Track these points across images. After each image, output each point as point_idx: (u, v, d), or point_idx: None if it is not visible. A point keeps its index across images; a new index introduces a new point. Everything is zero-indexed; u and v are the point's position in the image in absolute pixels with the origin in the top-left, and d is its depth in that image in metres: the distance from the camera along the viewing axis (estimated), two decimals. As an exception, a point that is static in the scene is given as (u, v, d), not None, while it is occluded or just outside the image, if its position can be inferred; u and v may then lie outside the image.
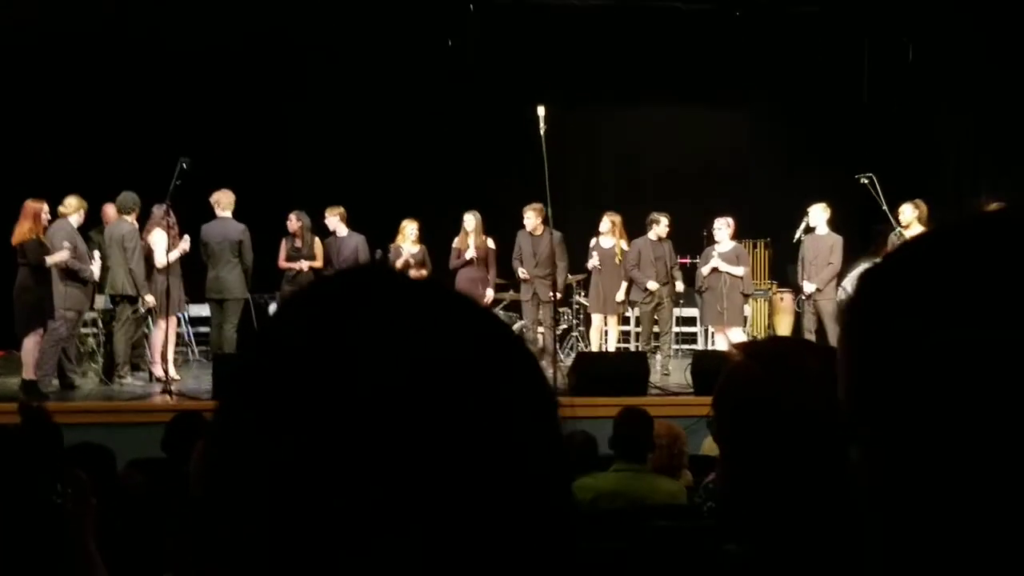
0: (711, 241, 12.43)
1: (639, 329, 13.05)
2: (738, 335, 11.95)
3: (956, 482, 0.73)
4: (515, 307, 12.85)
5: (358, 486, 0.68)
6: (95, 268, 10.62)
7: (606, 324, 12.47)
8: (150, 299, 10.98)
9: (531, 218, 12.02)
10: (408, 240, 12.22)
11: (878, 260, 0.82)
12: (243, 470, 0.71)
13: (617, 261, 12.21)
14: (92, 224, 11.46)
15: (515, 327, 13.09)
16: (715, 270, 11.93)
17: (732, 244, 12.15)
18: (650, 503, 5.12)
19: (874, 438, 0.78)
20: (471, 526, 0.70)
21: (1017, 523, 0.71)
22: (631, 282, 12.35)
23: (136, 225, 11.03)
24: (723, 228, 12.08)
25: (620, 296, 12.39)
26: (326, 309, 0.75)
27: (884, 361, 0.77)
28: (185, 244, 11.09)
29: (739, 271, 11.88)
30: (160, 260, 10.83)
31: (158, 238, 10.91)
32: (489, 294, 12.39)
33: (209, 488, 0.74)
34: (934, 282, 0.76)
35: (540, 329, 12.42)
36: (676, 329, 13.41)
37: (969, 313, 0.72)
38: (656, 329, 12.45)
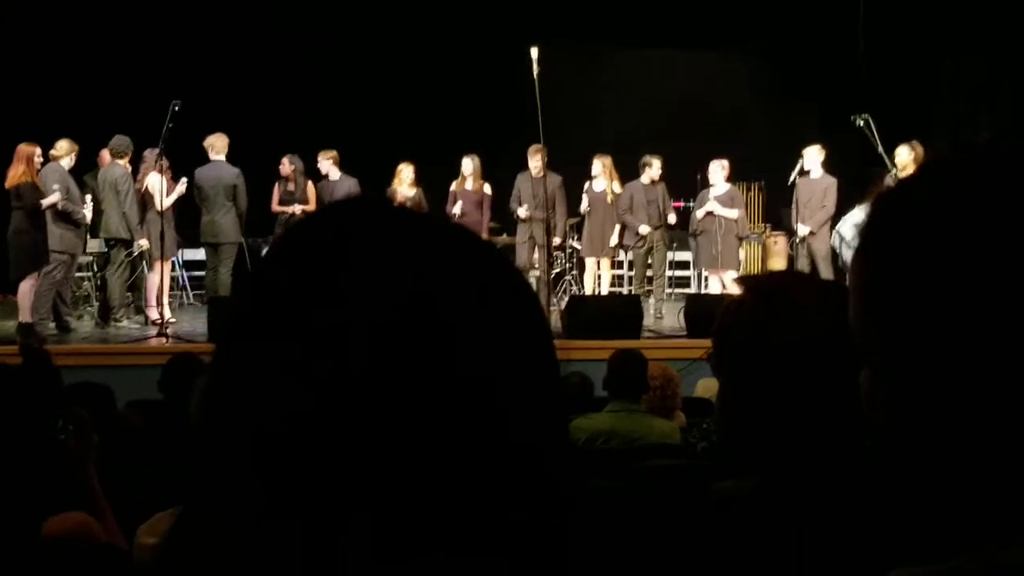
0: (705, 184, 12.41)
1: (632, 273, 13.06)
2: (732, 278, 11.96)
3: (966, 399, 0.75)
4: (510, 252, 12.83)
5: (352, 421, 0.69)
6: (87, 212, 10.61)
7: (599, 268, 12.47)
8: (144, 243, 10.99)
9: (536, 160, 11.91)
10: (404, 184, 12.19)
11: (892, 186, 0.83)
12: (240, 408, 0.72)
13: (609, 202, 12.17)
14: (85, 168, 11.41)
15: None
16: (710, 213, 11.91)
17: (727, 187, 12.12)
18: (645, 442, 5.17)
19: (886, 361, 0.80)
20: (467, 460, 0.70)
21: None
22: (624, 226, 12.34)
23: (129, 169, 11.00)
24: (718, 171, 12.05)
25: (613, 240, 12.38)
26: (316, 245, 0.75)
27: (899, 282, 0.79)
28: (182, 187, 11.08)
29: (733, 214, 11.87)
30: (159, 203, 10.81)
31: (155, 181, 10.88)
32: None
33: (208, 423, 0.75)
34: (946, 205, 0.77)
35: (533, 273, 12.42)
36: (669, 273, 13.41)
37: (979, 234, 0.74)
38: (649, 272, 12.46)
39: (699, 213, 12.08)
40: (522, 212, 12.05)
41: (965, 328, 0.75)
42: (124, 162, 10.95)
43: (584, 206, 12.35)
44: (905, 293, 0.78)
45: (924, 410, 0.78)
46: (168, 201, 10.87)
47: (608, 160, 12.27)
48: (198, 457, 0.75)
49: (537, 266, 12.25)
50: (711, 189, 12.08)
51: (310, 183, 12.19)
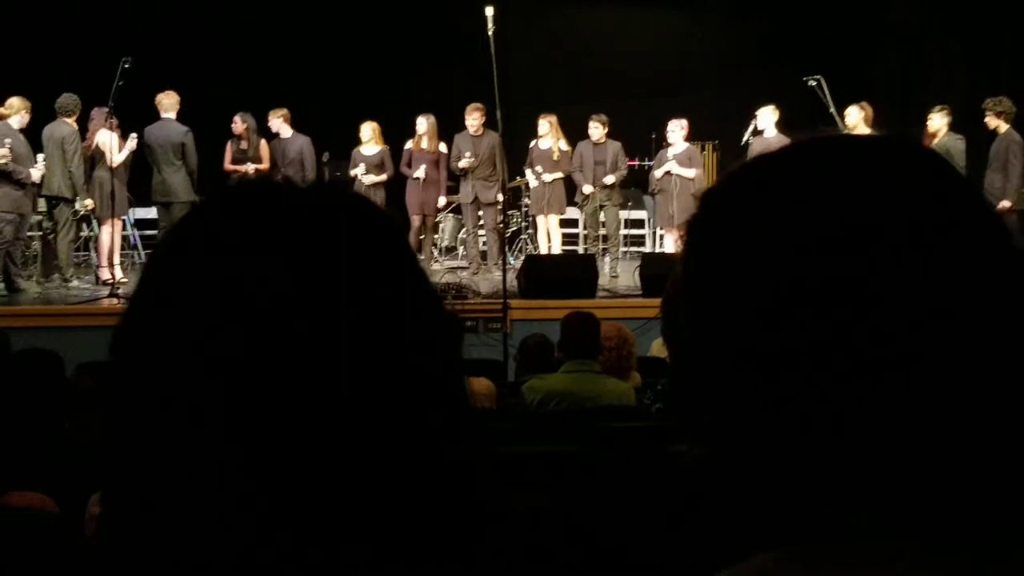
0: (661, 143, 12.42)
1: (587, 232, 13.07)
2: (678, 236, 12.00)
3: (769, 396, 0.78)
4: (461, 210, 12.82)
5: (243, 404, 0.71)
6: (36, 171, 10.42)
7: (548, 224, 12.42)
8: (88, 202, 10.84)
9: (474, 119, 11.92)
10: (364, 142, 12.12)
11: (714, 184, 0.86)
12: (142, 396, 0.74)
13: (555, 159, 12.13)
14: (41, 125, 11.21)
15: (460, 234, 13.10)
16: (668, 172, 11.92)
17: (686, 146, 12.12)
18: (600, 403, 5.20)
19: (699, 354, 0.83)
20: (357, 438, 0.72)
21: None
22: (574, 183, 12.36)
23: (76, 127, 10.83)
24: (676, 130, 12.03)
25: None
26: (200, 238, 0.77)
27: (707, 278, 0.81)
28: (132, 143, 10.95)
29: (691, 173, 11.88)
30: (109, 160, 10.67)
31: (105, 138, 10.73)
32: (441, 200, 12.35)
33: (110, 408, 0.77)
34: (758, 200, 0.79)
35: (481, 233, 12.40)
36: (624, 232, 13.44)
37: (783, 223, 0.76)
38: (603, 232, 12.47)
39: (657, 172, 12.09)
40: (463, 163, 12.00)
41: (764, 327, 0.76)
42: (71, 120, 10.78)
43: (529, 176, 12.31)
44: (712, 289, 0.80)
45: (730, 401, 0.81)
46: (119, 158, 10.74)
47: (554, 118, 12.21)
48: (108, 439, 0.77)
49: (486, 225, 12.22)
50: (670, 148, 12.08)
51: (263, 141, 12.08)
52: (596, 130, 12.18)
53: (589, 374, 5.38)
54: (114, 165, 10.61)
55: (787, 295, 0.75)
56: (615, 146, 12.26)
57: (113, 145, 10.63)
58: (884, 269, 0.73)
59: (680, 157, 11.92)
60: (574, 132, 12.36)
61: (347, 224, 0.78)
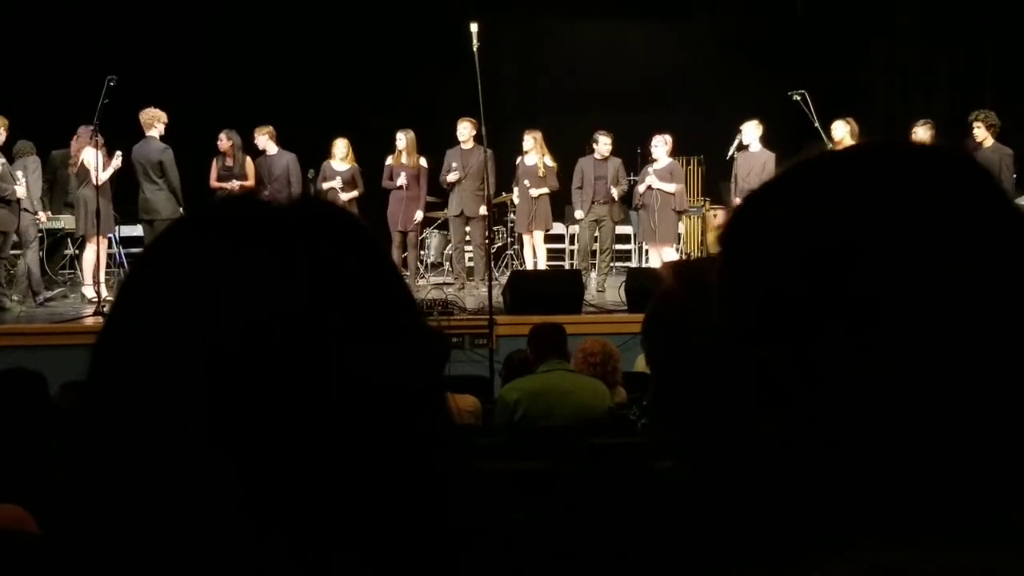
0: (646, 158, 12.44)
1: (574, 247, 13.07)
2: (671, 253, 12.01)
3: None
4: (448, 226, 12.81)
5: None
6: (19, 188, 10.39)
7: (534, 240, 12.41)
8: (41, 216, 10.79)
9: (464, 130, 11.92)
10: (337, 158, 12.13)
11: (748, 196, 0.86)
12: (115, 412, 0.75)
13: (541, 175, 12.14)
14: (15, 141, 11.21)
15: (447, 250, 13.08)
16: (649, 187, 11.94)
17: (668, 161, 12.14)
18: (575, 399, 5.21)
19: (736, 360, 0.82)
20: (335, 452, 0.73)
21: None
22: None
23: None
24: (660, 145, 12.04)
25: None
26: (170, 261, 0.78)
27: (746, 284, 0.81)
28: (117, 161, 10.93)
29: (670, 188, 11.88)
30: (95, 178, 10.65)
31: (91, 156, 10.72)
32: (419, 215, 12.34)
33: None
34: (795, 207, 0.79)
35: (468, 248, 12.38)
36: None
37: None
38: (595, 247, 12.47)
39: (640, 187, 12.11)
40: (451, 176, 12.00)
41: (806, 331, 0.76)
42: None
43: (515, 194, 12.33)
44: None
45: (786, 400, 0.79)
46: (104, 176, 10.72)
47: (539, 134, 12.22)
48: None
49: (473, 240, 12.22)
50: (653, 164, 12.10)
51: (249, 159, 12.07)
52: (606, 146, 12.15)
53: (562, 372, 5.40)
54: (99, 183, 10.59)
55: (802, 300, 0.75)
56: (616, 162, 12.26)
57: (98, 163, 10.61)
58: (895, 283, 0.73)
59: (661, 172, 11.93)
60: (559, 147, 12.36)
61: (328, 237, 0.79)
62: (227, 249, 0.76)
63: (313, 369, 0.73)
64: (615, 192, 12.13)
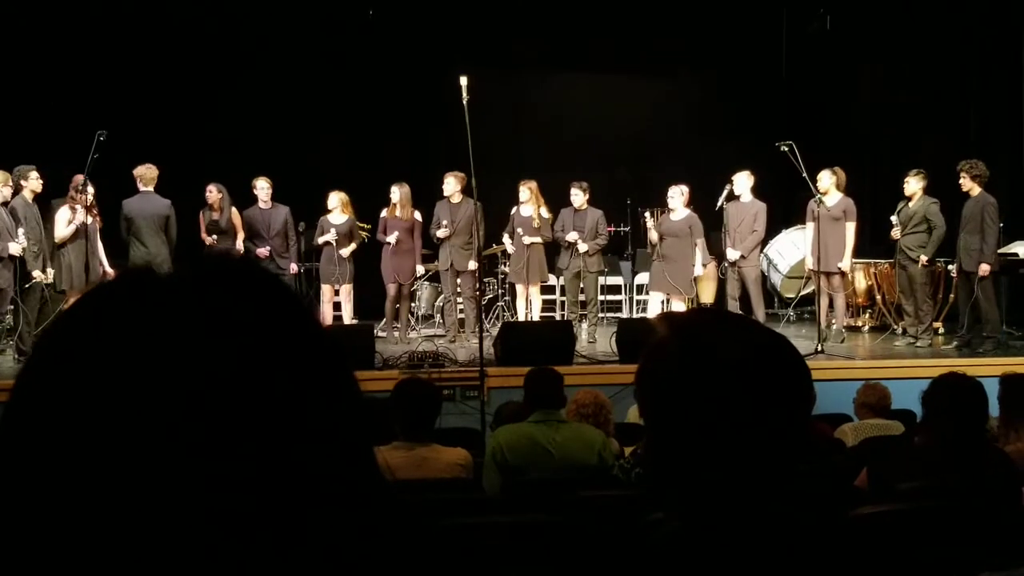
0: (636, 209, 12.46)
1: (564, 298, 13.06)
2: (680, 306, 11.89)
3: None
4: (439, 278, 12.83)
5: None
6: (14, 245, 10.29)
7: (528, 293, 12.41)
8: (37, 274, 10.68)
9: (451, 184, 11.96)
10: (334, 212, 12.16)
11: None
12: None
13: (536, 226, 12.15)
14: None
15: (437, 302, 13.09)
16: (663, 237, 11.88)
17: (686, 212, 12.03)
18: (564, 449, 5.20)
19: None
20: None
21: None
22: (558, 247, 12.39)
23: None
24: (676, 196, 11.93)
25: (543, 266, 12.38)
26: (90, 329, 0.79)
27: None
28: (78, 220, 10.75)
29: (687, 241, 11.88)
30: (59, 234, 10.71)
31: (61, 212, 10.73)
32: (419, 269, 12.36)
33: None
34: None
35: (460, 301, 12.37)
36: (601, 297, 13.44)
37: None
38: (582, 297, 12.45)
39: (652, 236, 11.99)
40: (441, 232, 12.03)
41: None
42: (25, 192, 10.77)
43: (507, 243, 12.37)
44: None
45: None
46: (63, 232, 10.70)
47: (534, 185, 12.24)
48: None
49: (463, 293, 12.21)
50: (670, 214, 12.07)
51: (235, 211, 12.09)
52: (577, 197, 12.18)
53: (553, 423, 5.37)
54: (56, 240, 10.63)
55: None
56: (596, 213, 12.23)
57: (61, 219, 10.64)
58: None
59: (680, 224, 11.91)
60: (549, 200, 12.39)
61: (229, 300, 0.81)
62: (124, 323, 0.78)
63: (217, 428, 0.73)
64: (582, 247, 12.04)
